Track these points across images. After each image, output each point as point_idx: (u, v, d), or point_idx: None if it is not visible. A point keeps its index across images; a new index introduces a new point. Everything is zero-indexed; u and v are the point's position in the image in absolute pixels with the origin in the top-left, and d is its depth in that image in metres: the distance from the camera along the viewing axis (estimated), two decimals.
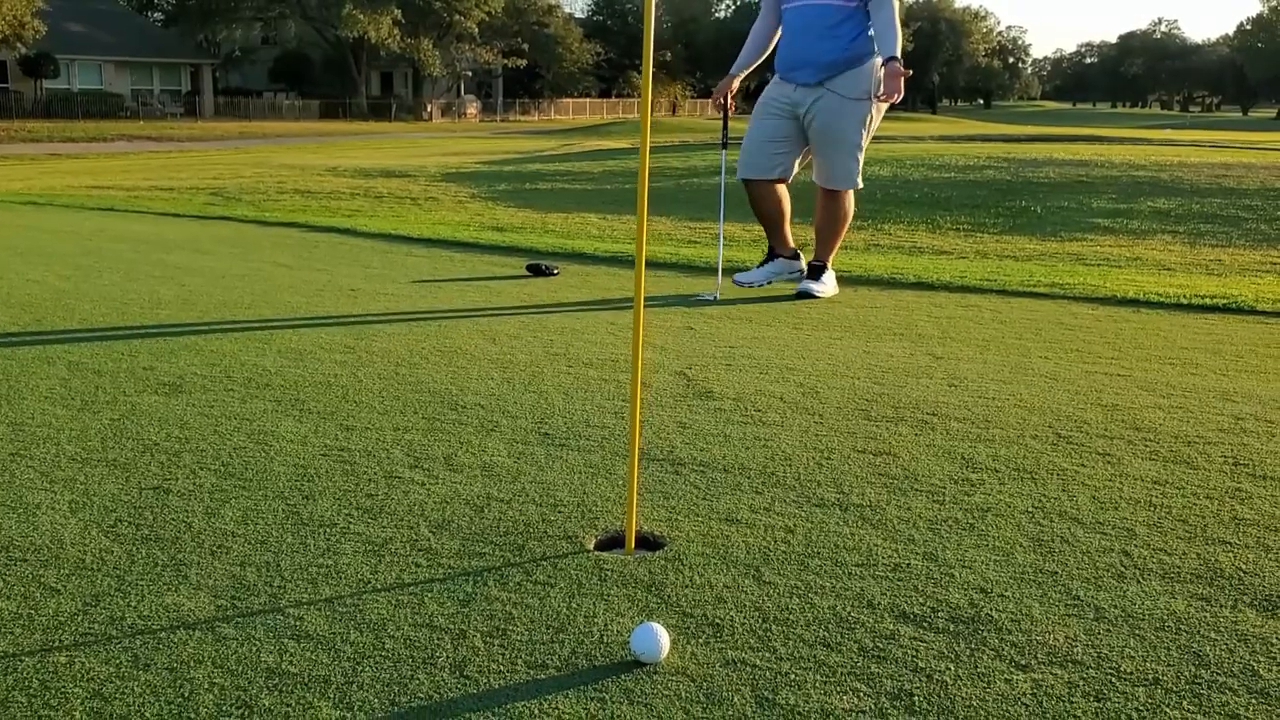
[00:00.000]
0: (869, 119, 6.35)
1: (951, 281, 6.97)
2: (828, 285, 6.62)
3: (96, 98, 54.87)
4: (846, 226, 6.75)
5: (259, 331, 5.28)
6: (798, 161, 6.58)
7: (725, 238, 8.13)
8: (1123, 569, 2.48)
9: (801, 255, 6.81)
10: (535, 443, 3.42)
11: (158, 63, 62.11)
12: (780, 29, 6.54)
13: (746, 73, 6.68)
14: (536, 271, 7.49)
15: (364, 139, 43.98)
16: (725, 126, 6.91)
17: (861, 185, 6.60)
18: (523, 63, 73.10)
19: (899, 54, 6.04)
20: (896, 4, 6.14)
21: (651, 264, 8.01)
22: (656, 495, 2.95)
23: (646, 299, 6.39)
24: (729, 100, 6.68)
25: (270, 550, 2.57)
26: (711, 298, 6.43)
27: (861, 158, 6.48)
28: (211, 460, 3.24)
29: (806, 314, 5.92)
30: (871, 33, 6.19)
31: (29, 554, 2.55)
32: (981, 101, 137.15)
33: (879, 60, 6.17)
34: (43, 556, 2.53)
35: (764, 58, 6.72)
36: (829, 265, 6.70)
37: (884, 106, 6.38)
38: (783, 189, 6.65)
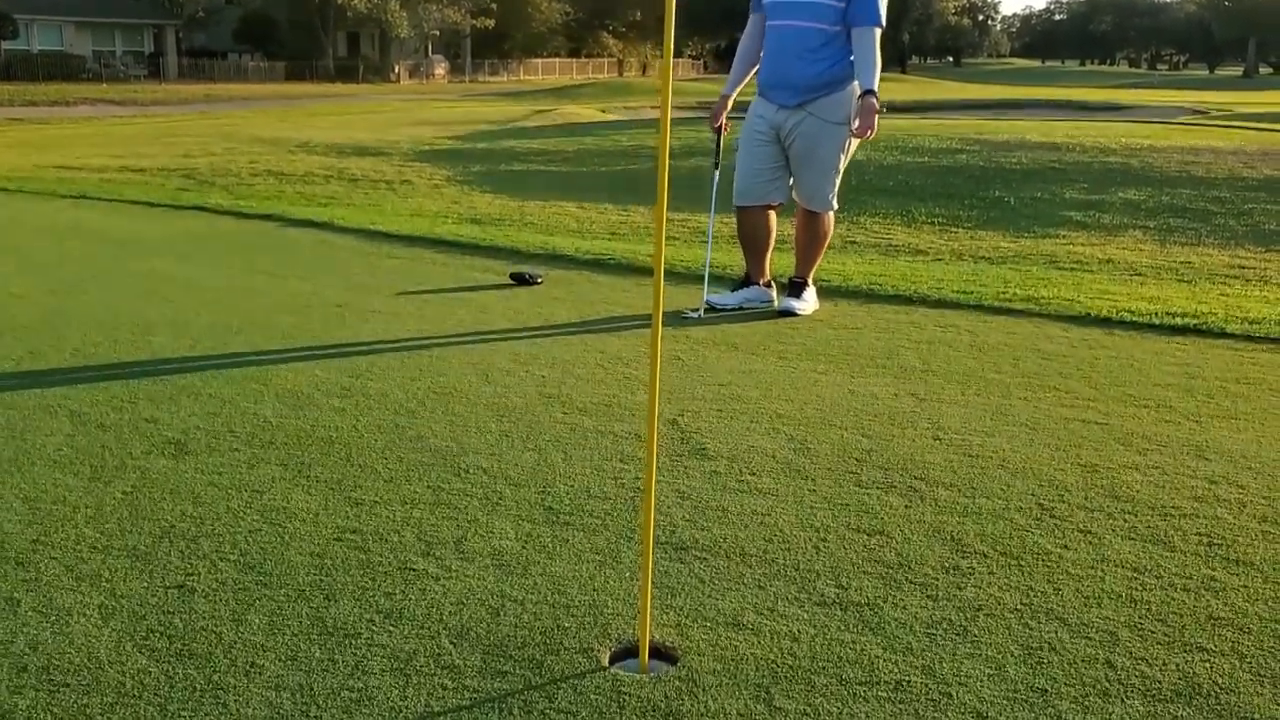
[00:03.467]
0: (848, 144, 6.45)
1: (929, 295, 7.11)
2: (809, 302, 6.75)
3: (57, 59, 53.88)
4: (826, 244, 6.87)
5: (254, 368, 5.35)
6: (789, 187, 6.68)
7: (703, 233, 8.22)
8: (1108, 685, 2.65)
9: (774, 286, 6.93)
10: (541, 520, 3.55)
11: (119, 23, 61.01)
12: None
13: (739, 90, 6.75)
14: (520, 280, 7.58)
15: (332, 102, 43.49)
16: (718, 148, 7.00)
17: (837, 207, 6.71)
18: (491, 23, 72.20)
19: (876, 87, 6.13)
20: (878, 33, 6.22)
21: (631, 269, 8.11)
22: (664, 591, 3.08)
23: (629, 317, 6.50)
24: (723, 123, 6.77)
25: (301, 669, 2.69)
26: (696, 315, 6.55)
27: (839, 181, 6.58)
28: (229, 548, 3.34)
29: (790, 337, 6.05)
30: (852, 58, 6.27)
31: (70, 677, 2.66)
32: (951, 59, 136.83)
33: (858, 85, 6.26)
34: (84, 680, 2.64)
35: (753, 73, 6.79)
36: (809, 282, 6.82)
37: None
38: (773, 218, 6.76)
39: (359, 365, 5.42)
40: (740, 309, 6.74)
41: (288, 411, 4.67)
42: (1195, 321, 6.37)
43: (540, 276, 7.64)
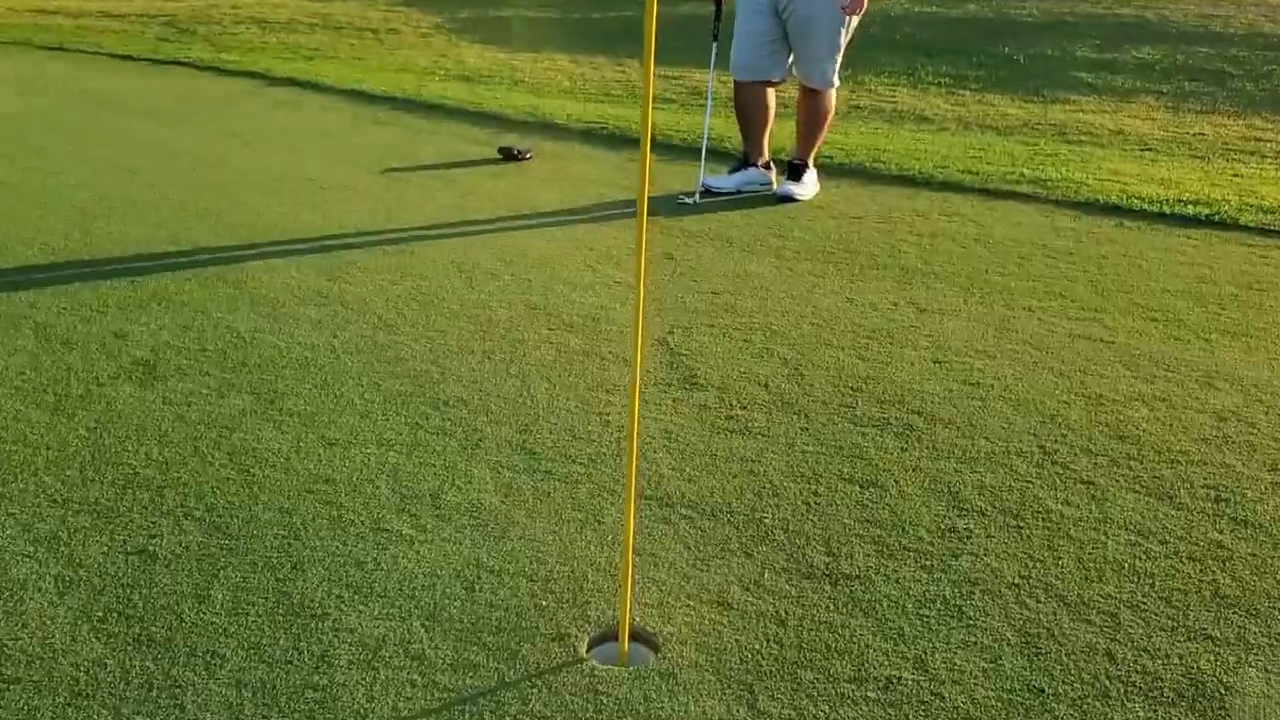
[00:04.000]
0: (847, 20, 6.09)
1: (933, 176, 6.83)
2: (808, 185, 6.47)
3: None
4: (828, 125, 6.55)
5: (228, 266, 5.13)
6: (790, 62, 6.32)
7: (701, 93, 7.87)
8: (1107, 684, 2.52)
9: (774, 168, 6.63)
10: (521, 467, 3.39)
11: None
12: None
13: None
14: (508, 156, 7.28)
15: None
16: (718, 16, 6.61)
17: (838, 84, 6.37)
18: None
19: None
20: None
21: (624, 141, 7.79)
22: (646, 561, 2.94)
23: (620, 203, 6.24)
24: None
25: (264, 659, 2.56)
26: (692, 201, 6.28)
27: (839, 58, 6.23)
28: (195, 502, 3.19)
29: (789, 229, 5.80)
30: None
31: (23, 670, 2.53)
32: None
33: None
34: (35, 675, 2.51)
35: None
36: (810, 164, 6.53)
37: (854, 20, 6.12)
38: (771, 96, 6.42)
39: (337, 263, 5.19)
40: (738, 193, 6.46)
41: (262, 323, 4.47)
42: (1208, 211, 6.10)
43: (529, 151, 7.33)
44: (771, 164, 6.64)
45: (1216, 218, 6.02)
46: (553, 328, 4.47)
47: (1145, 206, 6.21)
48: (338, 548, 2.98)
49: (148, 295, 4.77)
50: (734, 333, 4.43)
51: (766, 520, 3.13)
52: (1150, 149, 7.90)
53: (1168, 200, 6.31)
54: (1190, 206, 6.20)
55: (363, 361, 4.12)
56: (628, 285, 4.92)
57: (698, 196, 6.32)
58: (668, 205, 6.19)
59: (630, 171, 6.82)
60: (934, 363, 4.17)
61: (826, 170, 6.85)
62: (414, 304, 4.69)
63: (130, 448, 3.50)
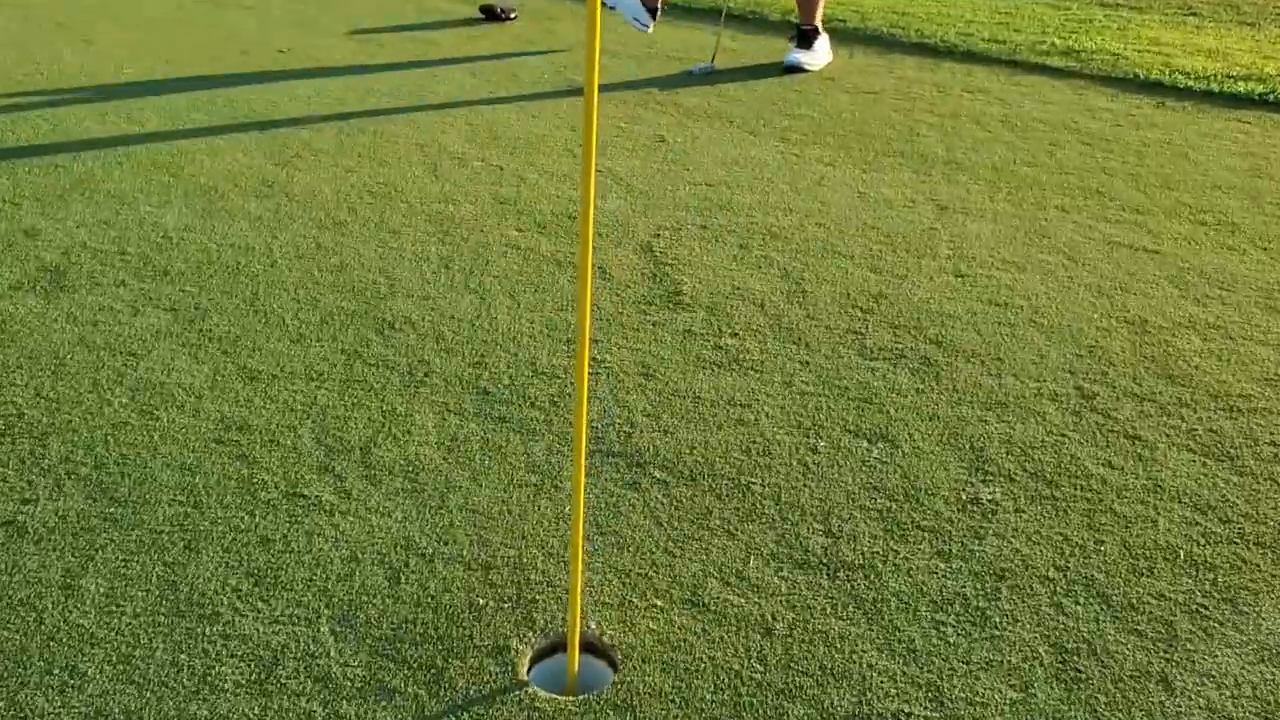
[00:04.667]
0: None
1: (956, 45, 6.11)
2: (819, 54, 5.78)
3: None
4: None
5: (166, 146, 4.52)
6: None
7: None
8: None
9: (661, 12, 6.05)
10: (471, 411, 2.86)
11: None
12: None
13: None
14: (490, 15, 6.56)
15: None
16: None
17: None
18: None
19: None
20: None
21: None
22: (609, 541, 2.43)
23: (610, 70, 5.57)
24: None
25: (133, 682, 2.07)
26: (706, 69, 5.60)
27: None
28: (84, 455, 2.67)
29: (797, 106, 5.14)
30: None
31: None
32: None
33: None
34: None
35: None
36: (819, 28, 5.82)
37: None
38: None
39: (289, 144, 4.57)
40: (612, 9, 5.78)
41: (194, 219, 3.89)
42: (1261, 89, 5.41)
43: (513, 11, 6.61)
44: (662, 7, 6.03)
45: (1271, 97, 5.34)
46: (522, 228, 3.88)
47: (1190, 83, 5.52)
48: (243, 520, 2.47)
49: (71, 183, 4.18)
50: (728, 236, 3.85)
51: (755, 487, 2.61)
52: (1194, 13, 7.12)
53: (1215, 75, 5.61)
54: (1241, 83, 5.50)
55: (302, 269, 3.55)
56: (615, 177, 4.32)
57: (714, 63, 5.63)
58: (668, 77, 5.52)
59: (626, 33, 6.11)
60: (956, 276, 3.59)
61: (840, 37, 6.14)
62: (368, 197, 4.10)
63: (19, 380, 2.97)
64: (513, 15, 6.56)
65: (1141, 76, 5.61)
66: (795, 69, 5.66)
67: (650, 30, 5.99)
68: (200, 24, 6.40)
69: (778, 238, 3.84)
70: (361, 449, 2.70)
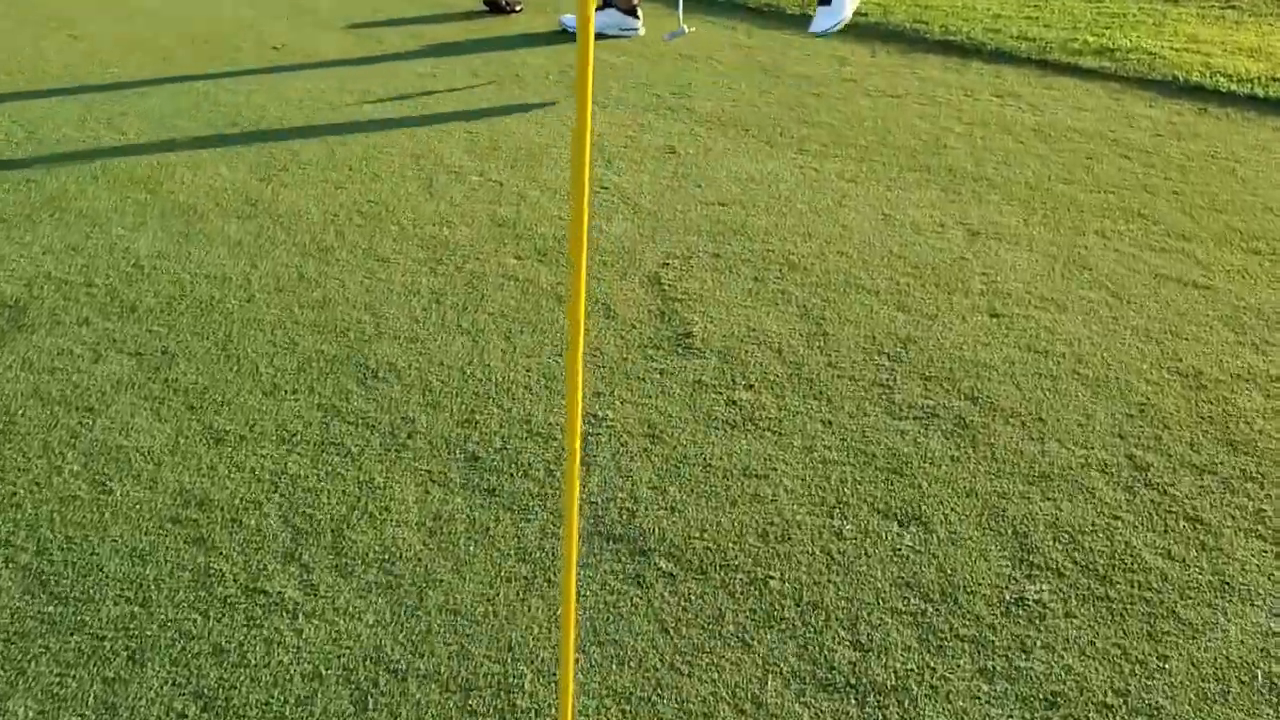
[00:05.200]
0: None
1: (984, 43, 5.73)
2: (839, 8, 5.25)
3: None
4: None
5: (147, 159, 4.20)
6: None
7: None
8: None
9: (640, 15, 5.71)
10: (457, 482, 2.54)
11: None
12: None
13: None
14: (494, 8, 6.20)
15: None
16: None
17: None
18: None
19: None
20: None
21: None
22: (607, 650, 2.12)
23: (618, 68, 5.22)
24: None
25: None
26: (678, 35, 5.18)
27: None
28: (25, 538, 2.36)
29: (816, 111, 4.79)
30: None
31: None
32: None
33: None
34: None
35: None
36: None
37: None
38: None
39: (276, 155, 4.25)
40: (600, 37, 5.45)
41: (169, 245, 3.57)
42: None
43: (519, 3, 6.24)
44: (638, 10, 5.67)
45: None
46: (521, 255, 3.56)
47: (1233, 86, 5.15)
48: (195, 624, 2.16)
49: (42, 200, 3.86)
50: (743, 266, 3.52)
51: (773, 582, 2.29)
52: (1232, 5, 6.72)
53: (1259, 78, 5.23)
54: None
55: (281, 305, 3.24)
56: (622, 195, 3.98)
57: (684, 28, 5.23)
58: (679, 77, 5.17)
59: (649, 27, 5.75)
60: (990, 315, 3.26)
61: (861, 35, 5.78)
62: (357, 218, 3.78)
63: None
64: (518, 8, 6.20)
65: (1181, 79, 5.24)
66: (827, 29, 5.29)
67: (642, 30, 5.64)
68: (196, 17, 6.06)
69: (796, 268, 3.51)
70: (333, 531, 2.39)
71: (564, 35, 5.76)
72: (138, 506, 2.45)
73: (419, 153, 4.30)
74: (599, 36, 5.50)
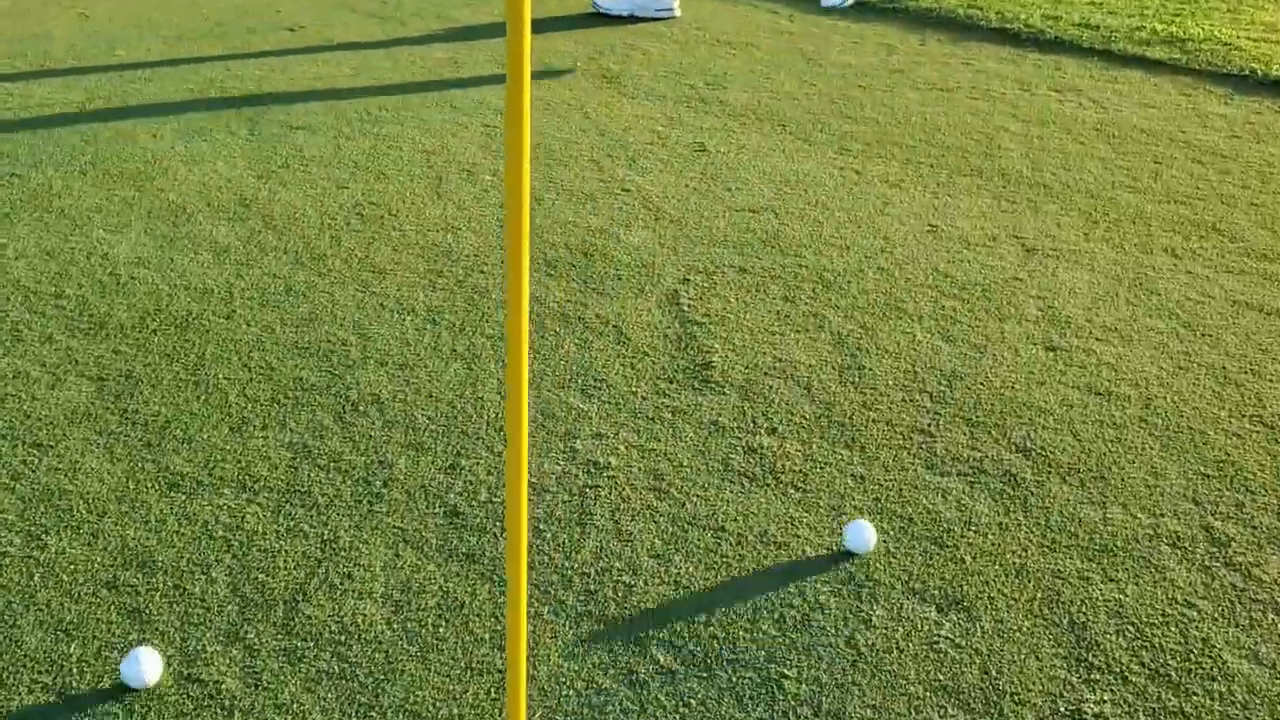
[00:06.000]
0: None
1: (1043, 31, 5.30)
2: None
3: None
4: None
5: (141, 147, 3.89)
6: None
7: None
8: None
9: None
10: (432, 543, 2.21)
11: None
12: None
13: None
14: None
15: None
16: None
17: None
18: None
19: None
20: None
21: None
22: None
23: (648, 49, 4.84)
24: None
25: None
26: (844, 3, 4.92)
27: None
28: None
29: (860, 106, 4.40)
30: None
31: None
32: None
33: None
34: None
35: None
36: None
37: None
38: None
39: (278, 149, 3.93)
40: (632, 18, 5.12)
41: (150, 251, 3.26)
42: None
43: None
44: None
45: None
46: (533, 266, 3.21)
47: None
48: None
49: (24, 197, 3.57)
50: (772, 285, 3.15)
51: (789, 683, 1.94)
52: None
53: None
54: None
55: (263, 323, 2.92)
56: (644, 199, 3.62)
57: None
58: (708, 65, 4.79)
59: (677, 21, 5.35)
60: (1046, 349, 2.87)
61: (906, 19, 5.37)
62: (356, 221, 3.45)
63: None
64: None
65: (1259, 73, 4.79)
66: (839, 3, 4.99)
67: (678, 12, 5.27)
68: None
69: (831, 287, 3.13)
70: (286, 603, 2.07)
71: (597, 17, 5.40)
72: (72, 567, 2.14)
73: (431, 148, 3.96)
74: (633, 18, 5.16)
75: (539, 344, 2.86)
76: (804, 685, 1.92)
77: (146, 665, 1.87)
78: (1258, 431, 2.58)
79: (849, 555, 2.20)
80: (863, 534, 2.18)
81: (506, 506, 1.42)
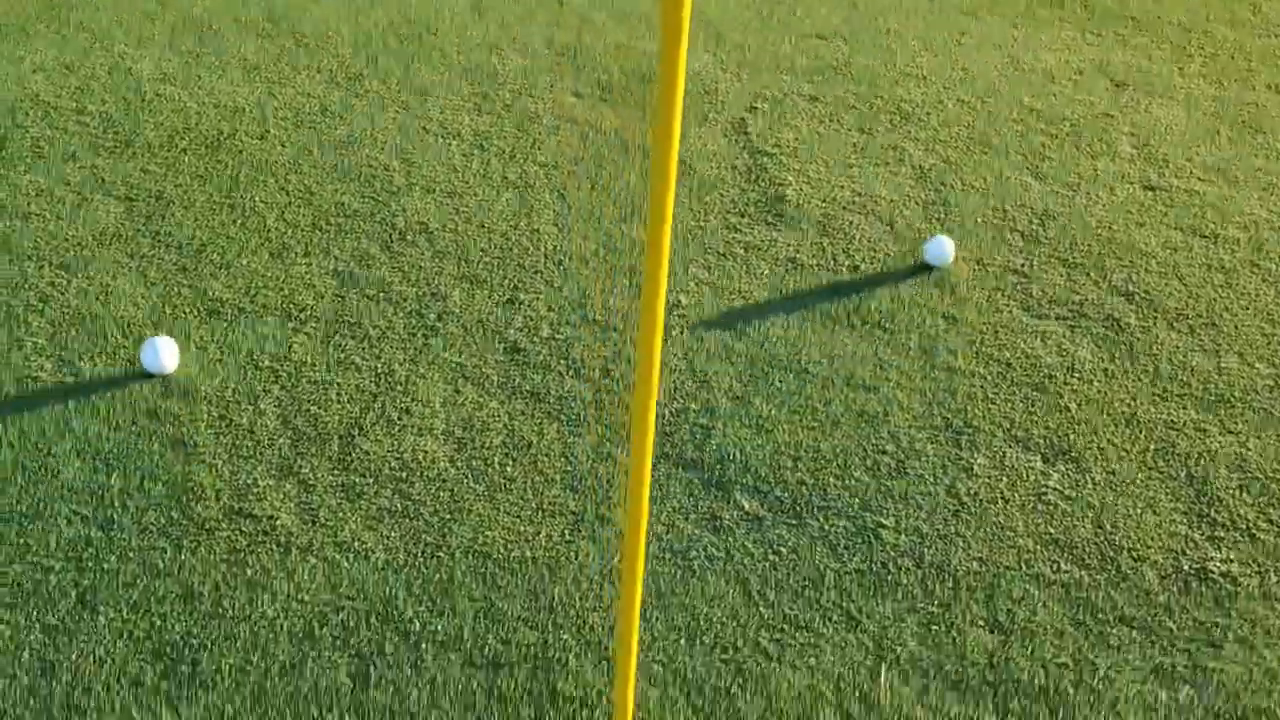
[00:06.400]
0: None
1: None
2: None
3: None
4: None
5: None
6: None
7: None
8: None
9: None
10: (493, 384, 2.04)
11: None
12: None
13: None
14: None
15: None
16: None
17: None
18: None
19: None
20: None
21: None
22: (673, 618, 1.64)
23: None
24: None
25: None
26: None
27: None
28: None
29: None
30: None
31: None
32: None
33: None
34: None
35: None
36: None
37: None
38: None
39: None
40: None
41: (176, 68, 3.02)
42: None
43: None
44: None
45: None
46: (582, 92, 2.97)
47: None
48: (162, 557, 1.71)
49: (40, 9, 3.31)
50: (845, 115, 2.91)
51: (886, 533, 1.79)
52: None
53: None
54: None
55: (298, 144, 2.70)
56: (703, 20, 3.35)
57: None
58: None
59: None
60: (1144, 188, 2.65)
61: None
62: (393, 40, 3.19)
63: None
64: None
65: None
66: None
67: None
68: None
69: (909, 119, 2.90)
70: (341, 437, 1.91)
71: None
72: (109, 395, 1.98)
73: None
74: None
75: (597, 174, 2.64)
76: (903, 535, 1.77)
77: (165, 353, 1.89)
78: None
79: (946, 399, 2.02)
80: (942, 247, 2.20)
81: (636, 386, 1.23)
